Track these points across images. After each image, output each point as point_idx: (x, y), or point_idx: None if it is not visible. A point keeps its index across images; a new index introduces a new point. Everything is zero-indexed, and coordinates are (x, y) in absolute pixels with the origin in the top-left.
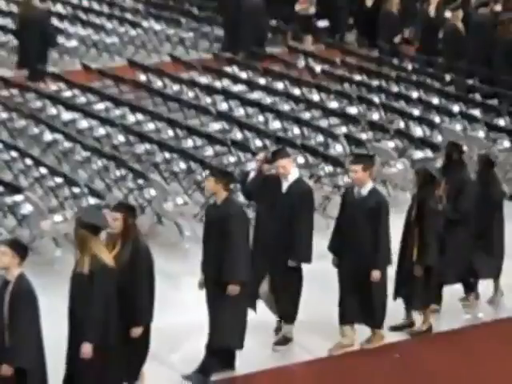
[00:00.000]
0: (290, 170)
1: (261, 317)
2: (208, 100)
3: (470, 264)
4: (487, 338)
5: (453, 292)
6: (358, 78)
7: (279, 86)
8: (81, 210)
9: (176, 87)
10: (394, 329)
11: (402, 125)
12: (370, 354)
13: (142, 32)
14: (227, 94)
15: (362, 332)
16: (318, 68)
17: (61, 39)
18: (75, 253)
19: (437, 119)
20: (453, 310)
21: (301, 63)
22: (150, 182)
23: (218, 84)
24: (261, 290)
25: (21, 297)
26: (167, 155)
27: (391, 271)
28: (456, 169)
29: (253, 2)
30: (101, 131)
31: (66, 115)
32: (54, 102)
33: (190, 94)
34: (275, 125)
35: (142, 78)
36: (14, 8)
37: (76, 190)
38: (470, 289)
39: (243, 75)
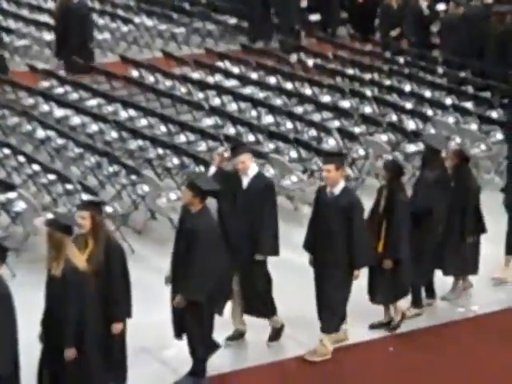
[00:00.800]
0: (250, 165)
1: None
2: (200, 95)
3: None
4: (480, 331)
5: (447, 284)
6: (350, 71)
7: (272, 80)
8: (54, 214)
9: (168, 83)
10: (373, 327)
11: (394, 118)
12: (364, 347)
13: (134, 28)
14: (220, 89)
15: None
16: (310, 62)
17: (52, 36)
18: (48, 256)
19: (429, 112)
20: (445, 302)
21: (293, 57)
22: (143, 178)
23: (210, 79)
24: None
25: None
26: (160, 151)
27: None
28: (431, 170)
29: None
30: (93, 127)
31: (59, 112)
32: (47, 98)
33: (183, 90)
34: (268, 119)
35: (135, 73)
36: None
37: (69, 186)
38: (418, 304)
39: (235, 70)
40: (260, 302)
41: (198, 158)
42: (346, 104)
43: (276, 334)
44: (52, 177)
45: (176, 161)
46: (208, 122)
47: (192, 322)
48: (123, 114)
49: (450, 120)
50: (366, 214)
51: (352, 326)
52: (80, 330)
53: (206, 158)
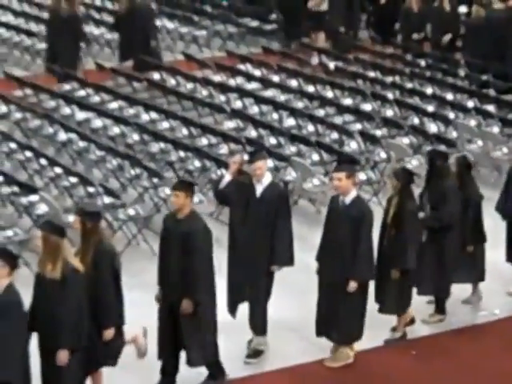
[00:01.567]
0: (265, 171)
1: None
2: (222, 98)
3: (450, 278)
4: (503, 335)
5: (466, 287)
6: (371, 74)
7: (293, 83)
8: (43, 218)
9: (190, 85)
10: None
11: (416, 121)
12: (387, 351)
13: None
14: (241, 92)
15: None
16: (331, 65)
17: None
18: (41, 258)
19: (451, 115)
20: (467, 306)
21: (314, 60)
22: (164, 181)
23: (231, 82)
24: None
25: (8, 309)
26: (182, 154)
27: None
28: (439, 176)
29: None
30: (115, 130)
31: (80, 114)
32: (68, 101)
33: (204, 93)
34: (289, 122)
35: (156, 76)
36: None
37: (91, 189)
38: (441, 310)
39: (257, 73)
40: (259, 316)
41: (220, 161)
42: (367, 107)
43: (254, 354)
44: (74, 180)
45: (197, 163)
46: (229, 124)
47: (192, 327)
48: (145, 117)
49: (472, 123)
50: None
51: (372, 328)
52: (78, 333)
53: (227, 161)
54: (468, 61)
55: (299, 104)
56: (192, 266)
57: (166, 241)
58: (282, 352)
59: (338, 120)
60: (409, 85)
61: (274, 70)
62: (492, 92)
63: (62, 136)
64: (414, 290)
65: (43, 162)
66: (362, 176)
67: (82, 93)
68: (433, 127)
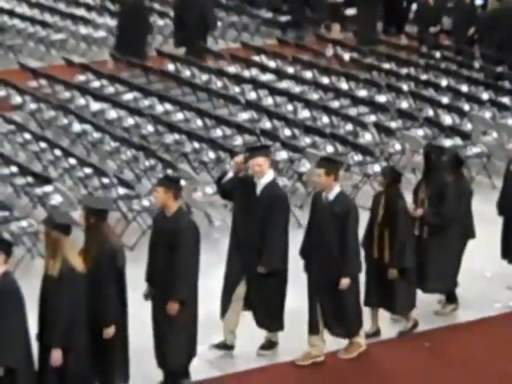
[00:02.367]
0: (266, 170)
1: None
2: (237, 89)
3: (456, 269)
4: None
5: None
6: (386, 66)
7: (308, 74)
8: (48, 213)
9: (204, 77)
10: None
11: (431, 113)
12: (401, 343)
13: (171, 22)
14: (256, 84)
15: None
16: (346, 56)
17: (89, 30)
18: (45, 255)
19: (466, 107)
20: (482, 297)
21: (329, 52)
22: (179, 172)
23: (246, 73)
24: (234, 295)
25: (5, 296)
26: (196, 145)
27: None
28: (436, 171)
29: None
30: (129, 121)
31: (95, 105)
32: (83, 92)
33: (219, 84)
34: (304, 114)
35: (171, 67)
36: None
37: (105, 180)
38: (453, 300)
39: (271, 64)
40: (267, 314)
41: (234, 152)
42: (382, 98)
43: (269, 345)
44: (88, 170)
45: (212, 155)
46: (244, 116)
47: (175, 329)
48: (159, 108)
49: (487, 115)
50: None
51: (383, 321)
52: (70, 332)
53: (241, 152)
54: (483, 53)
55: (314, 95)
56: (176, 264)
57: (154, 238)
58: (295, 344)
59: (353, 112)
60: (424, 76)
61: (289, 61)
62: (507, 84)
63: (77, 127)
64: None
65: (58, 152)
66: (376, 168)
67: (96, 84)
68: (447, 119)
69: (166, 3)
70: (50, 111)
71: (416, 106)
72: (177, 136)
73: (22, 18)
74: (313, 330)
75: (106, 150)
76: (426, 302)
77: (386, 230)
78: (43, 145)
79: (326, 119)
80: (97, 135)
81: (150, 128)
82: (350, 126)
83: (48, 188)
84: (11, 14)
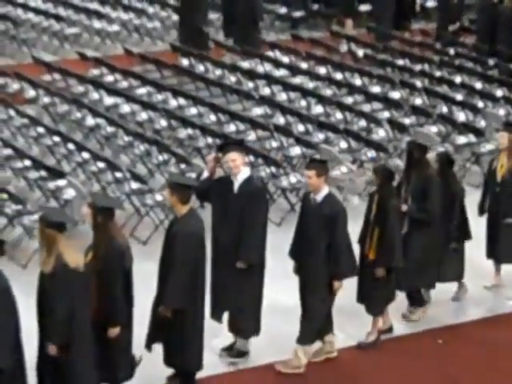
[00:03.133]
0: (241, 165)
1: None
2: (250, 85)
3: (432, 271)
4: None
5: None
6: (400, 62)
7: (322, 70)
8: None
9: (218, 72)
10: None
11: (444, 109)
12: (413, 339)
13: None
14: (269, 79)
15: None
16: (360, 52)
17: (102, 24)
18: (40, 252)
19: (480, 104)
20: (493, 294)
21: (343, 48)
22: (192, 167)
23: (260, 69)
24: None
25: None
26: (209, 140)
27: None
28: (419, 168)
29: None
30: (143, 116)
31: (109, 100)
32: (96, 86)
33: (232, 79)
34: (317, 109)
35: (185, 62)
36: None
37: (118, 174)
38: (418, 302)
39: (285, 60)
40: (240, 317)
41: (247, 147)
42: (396, 95)
43: (238, 355)
44: (101, 165)
45: None
46: (258, 111)
47: (174, 331)
48: (173, 103)
49: (501, 112)
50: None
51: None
52: (68, 329)
53: (255, 148)
54: (497, 50)
55: (327, 91)
56: (169, 269)
57: (164, 240)
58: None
59: (367, 108)
60: (438, 73)
61: (303, 56)
62: None
63: (90, 121)
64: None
65: (71, 146)
66: (390, 164)
67: (110, 78)
68: (461, 116)
69: None
70: (64, 105)
71: (430, 103)
72: (190, 131)
73: (36, 11)
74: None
75: (120, 145)
76: (440, 300)
77: (376, 228)
78: (56, 139)
79: (339, 115)
80: (110, 129)
81: (164, 123)
82: (363, 122)
83: (61, 182)
84: (25, 7)
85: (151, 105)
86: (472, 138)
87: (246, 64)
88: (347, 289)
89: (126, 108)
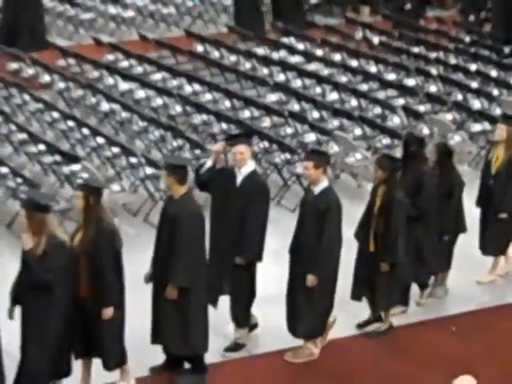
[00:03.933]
0: (247, 159)
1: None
2: (265, 71)
3: (428, 262)
4: None
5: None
6: (415, 49)
7: (337, 57)
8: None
9: (233, 58)
10: (360, 326)
11: (459, 97)
12: (426, 326)
13: (199, 2)
14: (284, 65)
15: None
16: (375, 39)
17: (117, 9)
18: (25, 235)
19: (495, 92)
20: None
21: (358, 35)
22: (206, 153)
23: (275, 55)
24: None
25: None
26: (224, 126)
27: None
28: (414, 162)
29: None
30: (158, 101)
31: (123, 85)
32: (111, 71)
33: (247, 65)
34: (332, 96)
35: (199, 48)
36: None
37: (133, 160)
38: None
39: (300, 46)
40: (235, 308)
41: (262, 134)
42: (411, 82)
43: (235, 347)
44: (116, 150)
45: None
46: (272, 97)
47: (176, 315)
48: (188, 89)
49: None
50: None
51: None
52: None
53: (269, 134)
54: None
55: (342, 78)
56: (175, 250)
57: (160, 221)
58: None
59: (382, 95)
60: (453, 61)
61: (318, 43)
62: None
63: (105, 106)
64: None
65: (85, 131)
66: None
67: (125, 63)
68: (476, 104)
69: None
70: (79, 90)
71: (445, 90)
72: (205, 116)
73: None
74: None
75: (134, 130)
76: (453, 285)
77: (380, 221)
78: (71, 123)
79: (354, 102)
80: (125, 115)
81: (178, 108)
82: (378, 109)
83: (75, 167)
84: None
85: (166, 90)
86: (487, 125)
87: (260, 50)
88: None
89: (140, 93)
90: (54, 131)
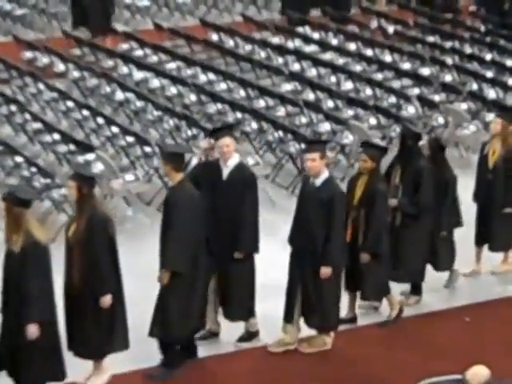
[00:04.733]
0: (233, 151)
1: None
2: (280, 60)
3: (425, 262)
4: None
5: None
6: (431, 39)
7: (352, 46)
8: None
9: (248, 47)
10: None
11: (475, 87)
12: (440, 317)
13: None
14: (299, 55)
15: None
16: (390, 29)
17: None
18: (6, 229)
19: (510, 81)
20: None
21: (374, 24)
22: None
23: (290, 44)
24: (209, 288)
25: None
26: (239, 115)
27: None
28: (411, 157)
29: None
30: (172, 90)
31: (138, 74)
32: (126, 61)
33: (262, 54)
34: (347, 86)
35: (214, 37)
36: None
37: (147, 149)
38: (417, 292)
39: (315, 36)
40: (238, 304)
41: (277, 123)
42: (426, 71)
43: (248, 337)
44: (130, 139)
45: (254, 125)
46: (287, 87)
47: (171, 301)
48: (202, 78)
49: None
50: None
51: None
52: (45, 306)
53: (284, 123)
54: None
55: (357, 67)
56: (167, 236)
57: (164, 207)
58: None
59: (396, 84)
60: (468, 50)
61: (333, 32)
62: None
63: (120, 95)
64: None
65: (100, 120)
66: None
67: (139, 52)
68: (491, 93)
69: None
70: (93, 79)
71: (460, 80)
72: (219, 106)
73: None
74: (288, 317)
75: (149, 119)
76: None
77: (361, 212)
78: (86, 113)
79: (369, 91)
80: (139, 104)
81: (193, 97)
82: (393, 99)
83: (90, 156)
84: None
85: (181, 79)
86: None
87: (275, 39)
88: None
89: (155, 82)
90: (69, 120)
